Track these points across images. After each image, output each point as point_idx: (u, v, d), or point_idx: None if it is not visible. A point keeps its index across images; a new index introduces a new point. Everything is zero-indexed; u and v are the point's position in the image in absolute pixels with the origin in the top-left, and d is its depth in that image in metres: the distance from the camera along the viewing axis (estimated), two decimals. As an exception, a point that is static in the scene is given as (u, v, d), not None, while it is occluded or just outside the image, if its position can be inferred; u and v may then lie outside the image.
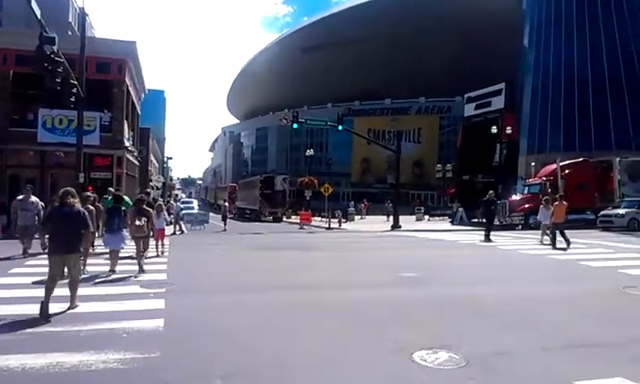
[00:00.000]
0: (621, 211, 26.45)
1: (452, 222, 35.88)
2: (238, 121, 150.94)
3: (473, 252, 18.21)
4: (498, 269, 13.93)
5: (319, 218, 40.92)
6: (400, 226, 31.82)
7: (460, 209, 35.91)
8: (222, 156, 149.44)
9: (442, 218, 42.95)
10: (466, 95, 42.37)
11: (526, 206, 28.64)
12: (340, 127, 35.07)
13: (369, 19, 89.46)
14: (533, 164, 47.32)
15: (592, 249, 17.55)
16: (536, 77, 64.11)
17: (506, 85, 37.20)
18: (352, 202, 56.73)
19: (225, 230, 31.02)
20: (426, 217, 44.92)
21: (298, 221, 37.53)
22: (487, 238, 20.50)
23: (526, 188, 32.91)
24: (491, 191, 21.65)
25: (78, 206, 8.20)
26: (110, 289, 9.90)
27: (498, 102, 36.58)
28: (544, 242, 19.00)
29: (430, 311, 8.31)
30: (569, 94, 59.76)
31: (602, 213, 27.51)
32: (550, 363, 5.70)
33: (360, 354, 5.94)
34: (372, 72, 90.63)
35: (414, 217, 42.85)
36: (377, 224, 38.04)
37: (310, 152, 55.87)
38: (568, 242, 17.42)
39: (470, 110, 40.48)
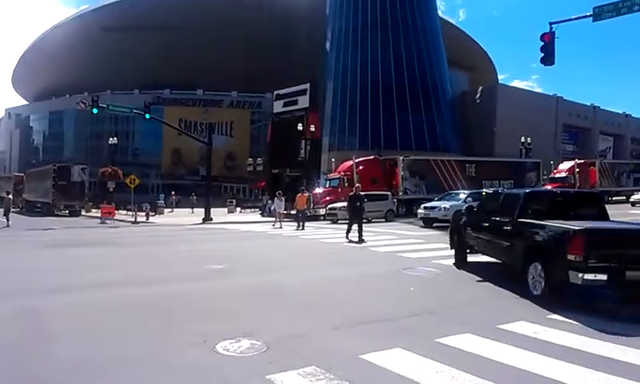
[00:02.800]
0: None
1: (262, 214, 37.08)
2: (26, 102, 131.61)
3: (280, 242, 19.19)
4: (301, 257, 14.98)
5: (125, 212, 38.45)
6: (211, 219, 31.72)
7: (270, 201, 37.29)
8: (6, 142, 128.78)
9: (253, 210, 44.05)
10: (275, 92, 44.00)
11: (328, 198, 31.09)
12: (147, 115, 33.40)
13: (178, 5, 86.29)
14: (333, 160, 51.49)
15: (381, 236, 19.90)
16: (336, 80, 69.62)
17: (311, 85, 39.72)
18: (162, 195, 54.44)
19: (8, 226, 27.14)
20: (238, 209, 45.54)
21: (100, 215, 34.70)
22: (359, 239, 17.50)
23: (328, 182, 35.72)
24: (358, 184, 20.45)
25: None
26: None
27: (304, 101, 38.91)
28: (279, 226, 25.23)
29: (235, 301, 8.62)
30: (364, 97, 66.30)
31: (330, 206, 28.98)
32: (340, 340, 6.42)
33: (163, 349, 5.92)
34: (184, 61, 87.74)
35: (225, 209, 43.05)
36: (187, 217, 37.27)
37: (113, 140, 51.93)
38: (303, 226, 23.94)
39: (278, 106, 42.19)
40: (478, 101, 69.26)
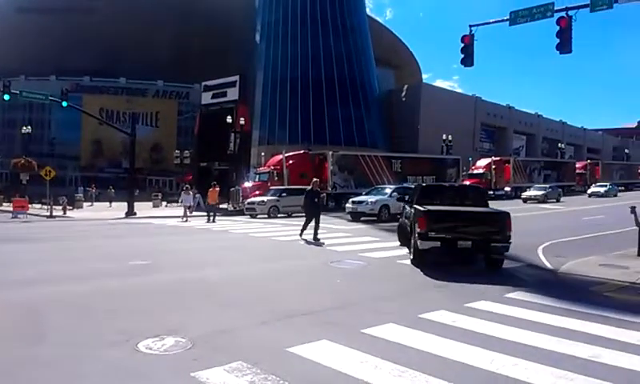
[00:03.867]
0: (264, 199, 27.89)
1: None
2: None
3: (207, 237, 18.85)
4: (229, 251, 14.80)
5: (40, 206, 36.11)
6: (135, 213, 30.55)
7: (197, 195, 36.44)
8: None
9: (180, 204, 42.76)
10: (203, 83, 43.00)
11: (257, 192, 30.88)
12: (64, 103, 31.48)
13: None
14: (263, 154, 51.20)
15: (308, 230, 20.01)
16: (266, 73, 69.18)
17: (240, 77, 39.22)
18: (81, 188, 51.62)
19: None
20: (164, 203, 44.10)
21: (11, 208, 32.34)
22: (314, 238, 16.09)
23: (258, 176, 35.48)
24: (315, 179, 18.75)
25: None
26: None
27: (233, 94, 38.36)
28: (184, 220, 25.67)
29: (160, 298, 8.39)
30: (294, 91, 66.39)
31: (248, 200, 28.56)
32: (267, 334, 6.44)
33: (79, 349, 5.65)
34: (106, 47, 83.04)
35: (151, 203, 41.57)
36: (107, 211, 35.63)
37: (27, 130, 48.53)
38: (214, 220, 24.90)
39: (207, 98, 41.29)
40: (403, 99, 71.41)
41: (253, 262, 12.66)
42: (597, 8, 13.59)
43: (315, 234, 16.08)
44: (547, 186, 42.24)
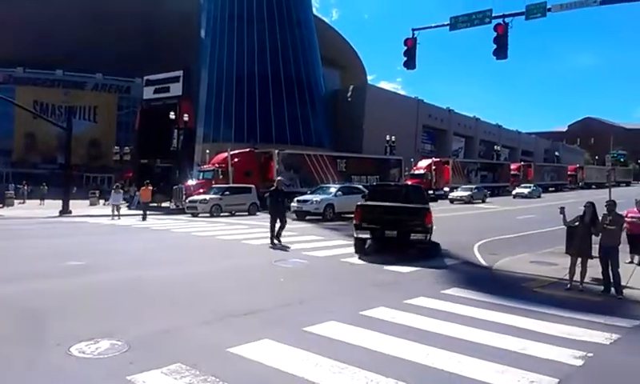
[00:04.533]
0: (206, 197, 27.40)
1: (129, 207, 34.94)
2: None
3: (147, 236, 18.31)
4: (170, 251, 14.46)
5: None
6: (70, 212, 29.18)
7: (137, 193, 35.30)
8: None
9: (108, 203, 41.22)
10: (145, 78, 41.69)
11: (201, 190, 30.30)
12: (-7, 96, 29.63)
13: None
14: (207, 151, 50.28)
15: (253, 229, 19.89)
16: (211, 69, 67.89)
17: (184, 73, 38.31)
18: (12, 184, 48.79)
19: None
20: (102, 201, 42.38)
21: None
22: (277, 238, 15.29)
23: (202, 174, 34.82)
24: (280, 178, 17.66)
25: None
26: None
27: (177, 89, 37.42)
28: (113, 218, 25.13)
29: (96, 300, 8.09)
30: (240, 88, 65.52)
31: (189, 199, 27.85)
32: (208, 335, 6.36)
33: (9, 354, 5.36)
34: (42, 37, 78.63)
35: (88, 201, 39.85)
36: (41, 209, 33.88)
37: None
38: (144, 218, 24.82)
39: (149, 93, 40.06)
40: (349, 99, 72.19)
41: (194, 262, 12.44)
42: (531, 16, 14.31)
43: (279, 234, 15.25)
44: (473, 186, 43.32)
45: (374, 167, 41.42)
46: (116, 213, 26.09)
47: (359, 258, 12.78)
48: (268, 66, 66.02)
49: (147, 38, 77.12)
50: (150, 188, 27.38)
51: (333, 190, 26.57)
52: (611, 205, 9.78)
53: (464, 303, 8.31)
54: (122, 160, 49.67)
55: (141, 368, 4.98)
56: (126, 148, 50.36)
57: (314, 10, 79.36)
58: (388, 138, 50.69)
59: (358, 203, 14.01)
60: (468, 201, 40.66)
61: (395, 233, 12.96)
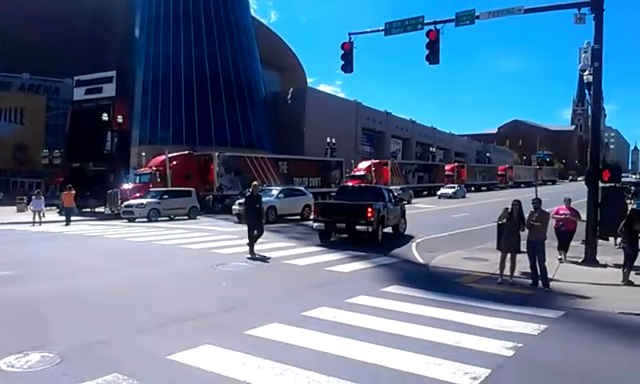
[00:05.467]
0: (143, 201, 26.69)
1: (60, 213, 33.22)
2: None
3: (80, 243, 17.48)
4: (105, 258, 13.87)
5: None
6: (-6, 219, 27.37)
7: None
8: None
9: (49, 208, 39.07)
10: (76, 78, 39.81)
11: (138, 194, 29.30)
12: None
13: None
14: (144, 154, 48.73)
15: (194, 233, 19.53)
16: (147, 69, 65.83)
17: (118, 73, 36.89)
18: None
19: None
20: (31, 206, 39.99)
21: None
22: (251, 250, 13.47)
23: (138, 177, 33.67)
24: (255, 182, 16.26)
25: None
26: None
27: (110, 90, 35.94)
28: (37, 224, 24.18)
29: (26, 311, 7.65)
30: (177, 89, 63.96)
31: (125, 203, 27.22)
32: (147, 343, 6.19)
33: None
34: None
35: (15, 207, 37.48)
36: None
37: None
38: (68, 223, 24.25)
39: (80, 94, 38.23)
40: (289, 102, 72.25)
41: (132, 268, 12.01)
42: (461, 23, 14.91)
43: (254, 241, 13.61)
44: (398, 187, 43.03)
45: (316, 169, 41.67)
46: (37, 219, 24.75)
47: (302, 258, 12.86)
48: (206, 67, 64.89)
49: (78, 37, 73.60)
50: (73, 192, 26.21)
51: (275, 192, 26.49)
52: (537, 202, 10.40)
53: (403, 300, 8.57)
54: (52, 164, 47.21)
55: (74, 380, 4.79)
56: (56, 151, 47.89)
57: (251, 11, 78.82)
58: (329, 139, 51.19)
59: (316, 201, 19.35)
60: None
61: (344, 225, 15.90)
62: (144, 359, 5.54)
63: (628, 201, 21.81)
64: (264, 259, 12.89)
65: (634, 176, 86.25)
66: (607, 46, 12.96)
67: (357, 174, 49.22)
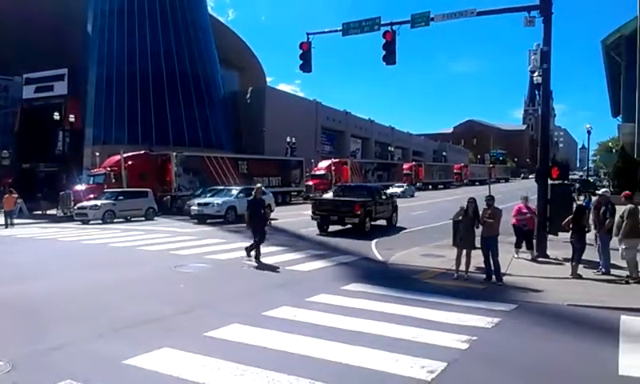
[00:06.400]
0: (98, 203, 25.87)
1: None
2: None
3: (31, 246, 16.81)
4: (58, 262, 13.40)
5: None
6: None
7: (19, 200, 32.28)
8: None
9: (-6, 211, 37.42)
10: (25, 75, 38.27)
11: (92, 196, 28.43)
12: None
13: None
14: (98, 154, 47.31)
15: (151, 234, 19.10)
16: (101, 66, 63.78)
17: (70, 70, 35.71)
18: None
19: None
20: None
21: None
22: (253, 256, 12.52)
23: (91, 178, 32.66)
24: (259, 185, 15.46)
25: None
26: None
27: (62, 88, 34.75)
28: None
29: (-30, 321, 7.32)
30: (132, 87, 62.26)
31: (79, 205, 26.51)
32: (103, 348, 6.05)
33: None
34: None
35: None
36: None
37: None
38: (10, 225, 23.11)
39: (29, 92, 36.81)
40: (248, 101, 71.64)
41: (86, 272, 11.64)
42: (416, 24, 15.22)
43: (251, 250, 12.57)
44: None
45: (276, 168, 41.55)
46: None
47: (262, 258, 12.78)
48: (163, 65, 63.50)
49: (27, 34, 70.61)
50: (15, 196, 25.59)
51: (234, 192, 26.25)
52: (490, 200, 10.74)
53: (362, 297, 8.69)
54: (1, 165, 45.11)
55: (26, 389, 4.63)
56: (5, 152, 45.73)
57: (208, 9, 77.70)
58: (289, 139, 51.14)
59: (313, 198, 24.36)
60: None
61: (336, 217, 18.98)
62: (99, 364, 5.41)
63: (581, 197, 22.89)
64: (273, 269, 12.64)
65: (579, 173, 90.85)
66: (556, 48, 13.53)
67: (317, 173, 49.36)
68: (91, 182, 31.53)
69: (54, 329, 6.79)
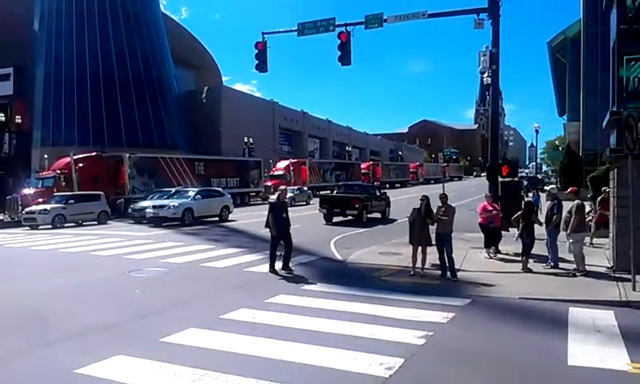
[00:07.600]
0: (47, 207, 24.83)
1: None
2: None
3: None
4: (4, 268, 12.77)
5: None
6: None
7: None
8: None
9: None
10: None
11: (41, 200, 27.33)
12: None
13: None
14: (46, 156, 45.49)
15: (104, 239, 18.53)
16: (49, 66, 61.13)
17: (16, 70, 34.28)
18: None
19: None
20: None
21: None
22: (286, 267, 11.45)
23: (40, 181, 31.40)
24: (282, 187, 14.47)
25: None
26: None
27: (7, 88, 33.33)
28: None
29: None
30: (82, 88, 60.00)
31: (27, 209, 25.39)
32: (53, 357, 5.83)
33: None
34: None
35: None
36: None
37: None
38: None
39: (-29, 92, 35.05)
40: (204, 100, 70.52)
41: (36, 278, 11.17)
42: (370, 25, 15.45)
43: (287, 261, 11.54)
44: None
45: (234, 169, 41.16)
46: None
47: (220, 261, 12.68)
48: (114, 64, 61.53)
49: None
50: None
51: (191, 193, 25.82)
52: (443, 197, 11.02)
53: (321, 297, 8.74)
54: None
55: (-31, 404, 4.42)
56: (-57, 155, 43.44)
57: (161, 7, 76.02)
58: (246, 139, 50.79)
59: (321, 194, 28.73)
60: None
61: (339, 210, 22.92)
62: (49, 375, 5.23)
63: (530, 194, 23.74)
64: (232, 271, 12.49)
65: (526, 171, 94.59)
66: (505, 50, 14.02)
67: (276, 173, 49.23)
68: (40, 186, 30.31)
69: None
